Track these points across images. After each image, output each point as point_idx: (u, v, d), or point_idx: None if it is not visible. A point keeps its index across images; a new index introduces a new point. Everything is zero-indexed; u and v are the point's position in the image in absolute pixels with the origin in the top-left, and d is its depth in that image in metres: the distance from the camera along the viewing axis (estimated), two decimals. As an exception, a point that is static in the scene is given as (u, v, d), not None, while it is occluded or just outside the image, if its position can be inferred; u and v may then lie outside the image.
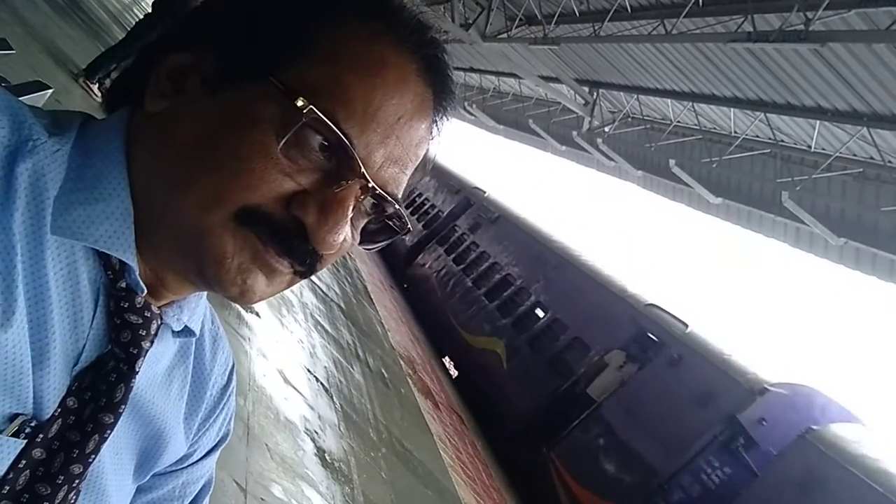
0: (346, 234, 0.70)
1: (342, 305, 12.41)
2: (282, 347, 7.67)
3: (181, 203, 0.68)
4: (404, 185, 0.75)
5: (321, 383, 7.81)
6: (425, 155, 0.79)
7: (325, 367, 8.49)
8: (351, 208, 0.68)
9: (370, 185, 0.69)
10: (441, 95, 0.77)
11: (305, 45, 0.69)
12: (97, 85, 7.59)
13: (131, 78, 0.77)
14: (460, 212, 23.19)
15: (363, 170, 0.68)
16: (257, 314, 7.66)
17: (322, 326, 9.90)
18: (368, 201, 0.72)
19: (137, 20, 9.45)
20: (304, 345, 8.53)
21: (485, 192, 23.25)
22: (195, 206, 0.67)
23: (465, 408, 14.96)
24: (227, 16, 0.74)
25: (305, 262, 0.70)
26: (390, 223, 0.76)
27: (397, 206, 0.73)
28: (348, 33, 0.70)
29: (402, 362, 12.84)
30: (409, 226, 0.77)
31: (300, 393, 6.96)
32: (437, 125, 0.78)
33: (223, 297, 0.71)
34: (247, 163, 0.66)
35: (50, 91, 4.26)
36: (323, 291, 11.91)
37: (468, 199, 23.44)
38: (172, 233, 0.69)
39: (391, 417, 9.20)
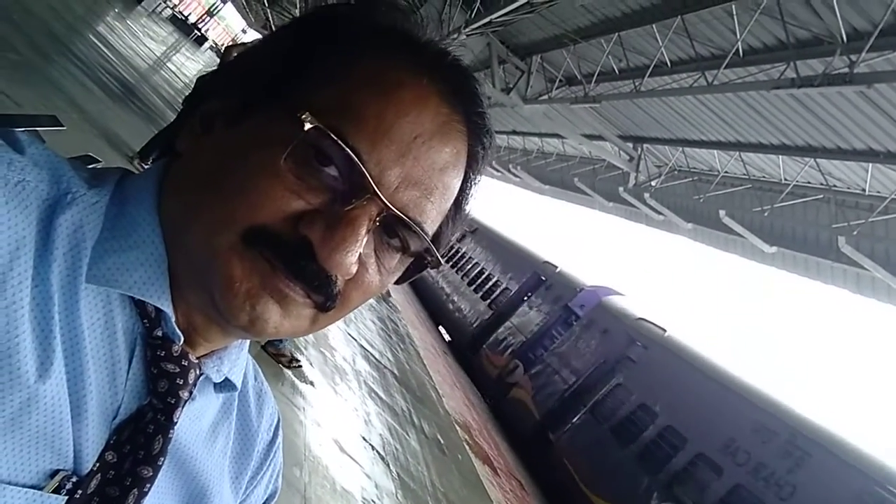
0: (367, 262, 0.68)
1: (395, 372, 12.37)
2: (336, 416, 7.64)
3: (194, 231, 0.67)
4: (430, 214, 0.71)
5: (377, 451, 7.73)
6: (463, 196, 0.76)
7: (381, 434, 8.42)
8: (364, 230, 0.65)
9: (386, 206, 0.66)
10: (472, 120, 0.74)
11: (322, 73, 0.69)
12: (151, 166, 7.90)
13: (172, 134, 0.78)
14: None
15: (375, 188, 0.65)
16: (311, 383, 7.67)
17: (376, 394, 9.85)
18: (394, 234, 0.70)
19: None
20: (359, 413, 8.48)
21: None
22: (205, 231, 0.66)
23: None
24: (251, 61, 0.75)
25: (314, 285, 0.66)
26: (422, 258, 0.74)
27: (423, 233, 0.70)
28: (366, 58, 0.69)
29: (458, 428, 12.67)
30: (441, 259, 0.74)
31: (356, 462, 6.90)
32: (473, 155, 0.75)
33: (234, 327, 0.68)
34: (252, 181, 0.65)
35: (99, 164, 4.41)
36: (376, 358, 11.90)
37: None
38: (188, 264, 0.68)
39: (449, 484, 9.04)
